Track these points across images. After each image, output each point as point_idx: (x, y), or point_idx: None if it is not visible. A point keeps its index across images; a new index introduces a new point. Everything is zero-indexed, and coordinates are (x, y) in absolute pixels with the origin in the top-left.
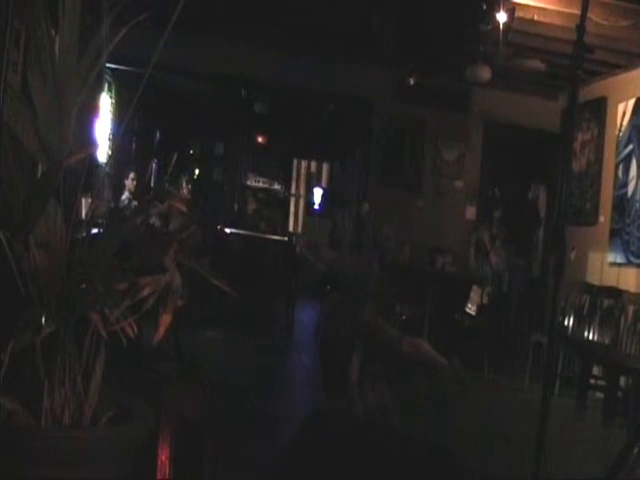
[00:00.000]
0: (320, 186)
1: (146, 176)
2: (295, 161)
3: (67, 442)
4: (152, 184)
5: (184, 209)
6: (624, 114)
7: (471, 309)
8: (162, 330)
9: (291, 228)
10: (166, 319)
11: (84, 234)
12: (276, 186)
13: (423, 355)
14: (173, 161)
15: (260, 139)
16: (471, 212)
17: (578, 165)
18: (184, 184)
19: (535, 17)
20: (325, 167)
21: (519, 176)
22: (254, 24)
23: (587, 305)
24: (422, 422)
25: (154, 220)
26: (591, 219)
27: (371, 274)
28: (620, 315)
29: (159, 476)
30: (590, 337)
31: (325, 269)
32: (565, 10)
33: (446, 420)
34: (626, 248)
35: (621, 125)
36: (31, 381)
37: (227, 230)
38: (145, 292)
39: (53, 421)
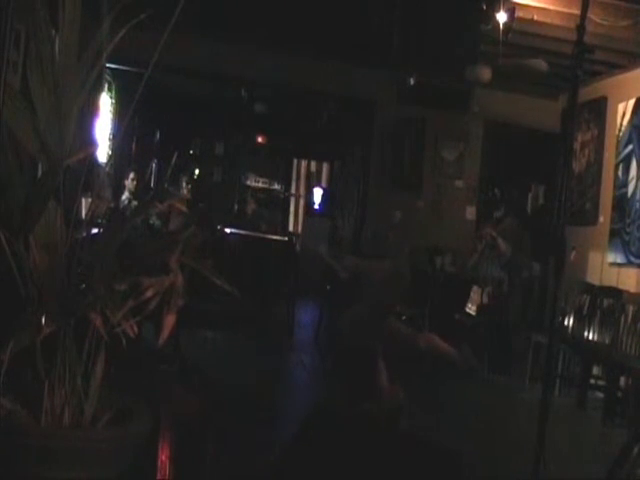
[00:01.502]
0: (320, 186)
1: (146, 176)
2: (295, 161)
3: (67, 442)
4: (152, 184)
5: (184, 209)
6: (624, 114)
7: (471, 309)
8: (167, 331)
9: (291, 228)
10: (170, 320)
11: (84, 234)
12: (276, 186)
13: (437, 348)
14: (173, 161)
15: (260, 139)
16: (471, 212)
17: (578, 165)
18: (184, 184)
19: (535, 17)
20: (325, 167)
21: (519, 176)
22: (255, 24)
23: (587, 305)
24: (423, 422)
25: (154, 220)
26: (591, 219)
27: (405, 279)
28: (620, 315)
29: (159, 476)
30: (590, 337)
31: (348, 277)
32: (565, 10)
33: (447, 420)
34: (626, 248)
35: (621, 125)
36: (31, 381)
37: (227, 230)
38: (149, 293)
39: (53, 421)
